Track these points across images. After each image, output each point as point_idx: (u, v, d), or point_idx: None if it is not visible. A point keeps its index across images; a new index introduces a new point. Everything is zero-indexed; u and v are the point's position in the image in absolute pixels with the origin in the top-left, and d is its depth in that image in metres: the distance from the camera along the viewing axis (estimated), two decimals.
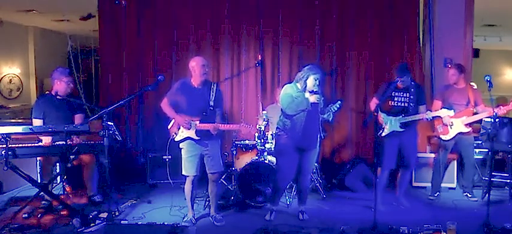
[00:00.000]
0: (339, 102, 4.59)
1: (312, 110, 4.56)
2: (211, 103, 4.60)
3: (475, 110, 5.41)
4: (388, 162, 5.09)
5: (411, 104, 5.02)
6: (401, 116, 5.03)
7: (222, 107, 4.77)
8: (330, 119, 4.64)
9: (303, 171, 4.78)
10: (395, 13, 6.46)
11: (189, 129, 4.56)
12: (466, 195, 5.65)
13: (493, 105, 4.80)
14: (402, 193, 5.30)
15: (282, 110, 4.68)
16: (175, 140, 4.66)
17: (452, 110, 5.23)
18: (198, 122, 4.55)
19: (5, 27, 9.32)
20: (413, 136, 5.15)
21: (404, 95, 5.04)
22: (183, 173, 4.67)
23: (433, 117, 5.08)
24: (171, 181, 5.95)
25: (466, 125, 5.37)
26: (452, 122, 5.36)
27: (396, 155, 5.12)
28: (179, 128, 4.63)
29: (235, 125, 4.93)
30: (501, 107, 4.99)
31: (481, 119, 5.91)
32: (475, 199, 5.55)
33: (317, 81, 4.53)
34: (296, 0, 6.55)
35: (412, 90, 5.02)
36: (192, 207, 4.82)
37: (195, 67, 4.58)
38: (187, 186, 4.71)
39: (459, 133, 5.41)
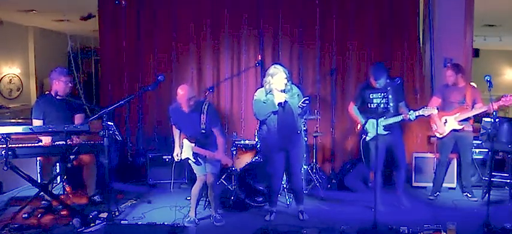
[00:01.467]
0: (307, 98, 4.56)
1: (282, 110, 4.57)
2: (203, 127, 4.56)
3: (475, 112, 5.38)
4: (377, 165, 5.01)
5: (391, 104, 4.95)
6: (383, 118, 4.91)
7: (217, 124, 4.73)
8: (304, 116, 4.74)
9: (291, 171, 4.81)
10: (395, 13, 6.46)
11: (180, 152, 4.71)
12: (466, 195, 5.65)
13: (492, 105, 4.80)
14: (402, 192, 5.30)
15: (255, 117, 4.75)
16: (176, 160, 4.81)
17: (436, 109, 5.03)
18: (194, 146, 4.64)
19: (5, 27, 9.32)
20: (399, 136, 5.12)
21: (382, 95, 4.93)
22: (196, 173, 4.75)
23: (416, 116, 4.89)
24: (171, 181, 5.97)
25: (459, 122, 5.36)
26: (446, 119, 5.38)
27: (384, 157, 5.09)
28: (182, 147, 4.73)
29: (229, 160, 4.86)
30: (503, 99, 5.01)
31: (481, 119, 5.93)
32: (475, 199, 5.54)
33: (285, 79, 4.53)
34: (296, 0, 6.55)
35: (389, 89, 4.94)
36: (196, 208, 4.83)
37: (182, 98, 4.51)
38: (198, 186, 4.75)
39: (453, 130, 5.40)
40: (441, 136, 5.49)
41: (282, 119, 4.58)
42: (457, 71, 5.44)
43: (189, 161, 4.71)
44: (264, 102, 4.60)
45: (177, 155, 4.76)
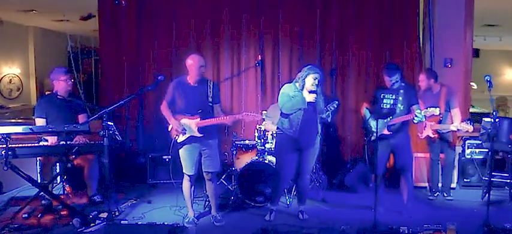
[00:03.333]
0: (336, 102, 4.65)
1: (310, 109, 4.58)
2: (210, 99, 4.59)
3: (451, 114, 5.42)
4: (378, 167, 4.97)
5: (399, 106, 4.80)
6: (388, 119, 4.84)
7: (220, 102, 4.76)
8: (329, 119, 4.68)
9: (302, 171, 4.79)
10: (395, 13, 6.46)
11: (184, 134, 4.56)
12: (443, 194, 5.68)
13: (492, 105, 4.80)
14: (410, 198, 5.07)
15: (280, 109, 4.70)
16: (178, 141, 4.63)
17: (438, 108, 4.89)
18: (198, 120, 4.53)
19: (5, 27, 9.31)
20: (403, 138, 4.93)
21: (392, 96, 4.87)
22: (184, 171, 4.67)
23: (425, 116, 4.70)
24: (173, 181, 5.95)
25: (433, 131, 5.43)
26: (425, 124, 5.41)
27: (386, 160, 5.01)
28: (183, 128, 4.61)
29: (238, 115, 4.73)
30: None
31: (481, 119, 5.93)
32: (451, 198, 5.60)
33: (316, 80, 4.57)
34: (296, 0, 6.55)
35: (401, 91, 4.82)
36: (192, 207, 4.82)
37: (192, 66, 4.54)
38: (185, 185, 4.71)
39: (428, 136, 5.48)
40: (421, 137, 5.55)
41: (307, 117, 4.59)
42: (429, 76, 5.47)
43: (187, 157, 4.61)
44: (292, 97, 4.59)
45: (178, 134, 4.59)
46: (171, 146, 4.80)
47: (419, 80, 5.57)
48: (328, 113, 4.64)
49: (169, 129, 4.74)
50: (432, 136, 5.46)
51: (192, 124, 4.54)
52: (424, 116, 4.68)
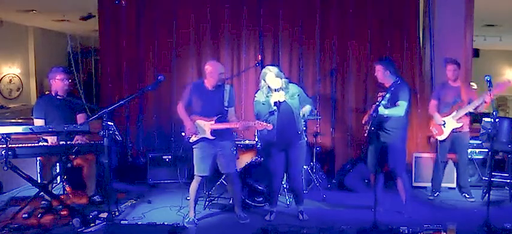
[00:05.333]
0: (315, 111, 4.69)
1: (283, 109, 4.58)
2: (226, 104, 4.66)
3: (470, 109, 5.34)
4: (370, 166, 4.95)
5: (383, 103, 4.59)
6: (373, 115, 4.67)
7: (234, 105, 4.83)
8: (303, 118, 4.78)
9: (291, 172, 4.81)
10: (395, 13, 6.46)
11: (196, 135, 4.62)
12: (464, 195, 5.64)
13: (493, 106, 4.79)
14: (407, 198, 5.00)
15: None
16: (191, 141, 4.68)
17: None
18: (213, 123, 4.59)
19: (5, 27, 9.32)
20: (394, 139, 4.75)
21: (382, 94, 4.74)
22: (195, 172, 4.71)
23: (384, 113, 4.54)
24: (180, 181, 5.99)
25: (458, 120, 5.35)
26: (444, 121, 5.37)
27: (375, 159, 4.91)
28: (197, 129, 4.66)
29: (251, 122, 4.65)
30: (496, 88, 4.90)
31: (481, 119, 5.93)
32: (473, 199, 5.54)
33: (272, 78, 4.55)
34: (296, 0, 6.56)
35: (392, 89, 4.65)
36: (195, 208, 4.83)
37: (213, 72, 4.62)
38: (194, 185, 4.73)
39: (453, 130, 5.39)
40: (442, 139, 5.48)
41: (281, 119, 4.58)
42: (459, 67, 5.45)
43: (200, 158, 4.65)
44: (263, 103, 4.63)
45: (192, 134, 4.63)
46: (182, 145, 4.81)
47: (448, 70, 5.46)
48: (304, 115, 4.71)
49: (183, 131, 4.78)
50: (459, 125, 5.32)
51: (206, 126, 4.60)
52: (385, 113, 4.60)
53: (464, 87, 5.44)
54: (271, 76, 4.58)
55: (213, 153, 4.65)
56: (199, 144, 4.65)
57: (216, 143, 4.62)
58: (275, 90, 4.58)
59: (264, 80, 4.63)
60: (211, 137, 4.59)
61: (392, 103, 4.67)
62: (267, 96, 4.63)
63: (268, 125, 4.48)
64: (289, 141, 4.67)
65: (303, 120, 4.88)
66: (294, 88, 4.70)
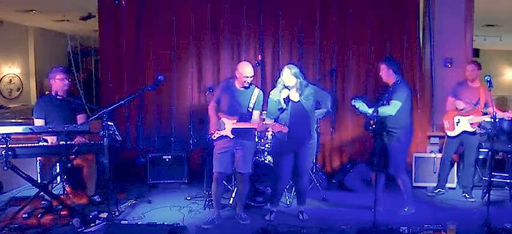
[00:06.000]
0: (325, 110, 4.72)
1: (294, 106, 4.59)
2: (250, 105, 4.68)
3: (485, 111, 5.40)
4: (375, 163, 4.92)
5: (380, 102, 4.68)
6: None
7: (261, 109, 4.82)
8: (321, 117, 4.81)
9: (299, 171, 4.79)
10: (395, 13, 6.46)
11: (219, 131, 4.68)
12: (465, 195, 5.64)
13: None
14: (409, 198, 5.03)
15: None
16: (213, 138, 4.73)
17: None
18: (235, 121, 4.63)
19: (5, 27, 9.32)
20: (393, 139, 4.78)
21: (384, 94, 4.79)
22: (213, 169, 4.73)
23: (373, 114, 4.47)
24: (184, 180, 5.98)
25: (471, 124, 5.39)
26: (459, 119, 5.42)
27: (378, 158, 4.88)
28: (221, 125, 4.71)
29: (269, 123, 4.67)
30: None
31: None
32: (473, 199, 5.54)
33: (287, 75, 4.56)
34: (296, 0, 6.55)
35: (390, 89, 4.75)
36: (218, 206, 4.82)
37: (239, 75, 4.66)
38: (213, 184, 4.75)
39: (464, 132, 5.44)
40: (452, 135, 5.50)
41: (293, 119, 4.58)
42: (479, 67, 5.47)
43: (217, 153, 4.68)
44: (275, 101, 4.64)
45: (216, 132, 4.68)
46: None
47: (468, 70, 5.51)
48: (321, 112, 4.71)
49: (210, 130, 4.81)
50: (472, 130, 5.40)
51: (228, 124, 4.65)
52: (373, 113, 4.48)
53: (482, 89, 5.45)
54: (288, 72, 4.59)
55: (231, 150, 4.68)
56: (220, 141, 4.69)
57: (235, 142, 4.65)
58: (288, 88, 4.60)
59: (281, 75, 4.65)
60: (231, 136, 4.63)
61: (388, 103, 4.70)
62: (280, 93, 4.63)
63: (284, 127, 4.49)
64: (300, 141, 4.66)
65: (315, 122, 4.86)
66: (309, 89, 4.67)
